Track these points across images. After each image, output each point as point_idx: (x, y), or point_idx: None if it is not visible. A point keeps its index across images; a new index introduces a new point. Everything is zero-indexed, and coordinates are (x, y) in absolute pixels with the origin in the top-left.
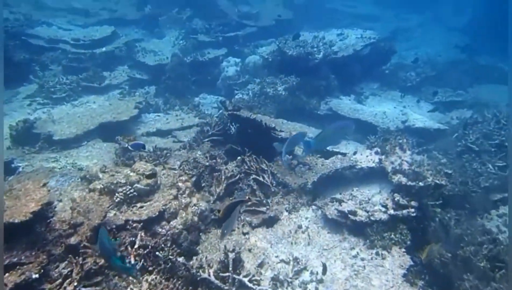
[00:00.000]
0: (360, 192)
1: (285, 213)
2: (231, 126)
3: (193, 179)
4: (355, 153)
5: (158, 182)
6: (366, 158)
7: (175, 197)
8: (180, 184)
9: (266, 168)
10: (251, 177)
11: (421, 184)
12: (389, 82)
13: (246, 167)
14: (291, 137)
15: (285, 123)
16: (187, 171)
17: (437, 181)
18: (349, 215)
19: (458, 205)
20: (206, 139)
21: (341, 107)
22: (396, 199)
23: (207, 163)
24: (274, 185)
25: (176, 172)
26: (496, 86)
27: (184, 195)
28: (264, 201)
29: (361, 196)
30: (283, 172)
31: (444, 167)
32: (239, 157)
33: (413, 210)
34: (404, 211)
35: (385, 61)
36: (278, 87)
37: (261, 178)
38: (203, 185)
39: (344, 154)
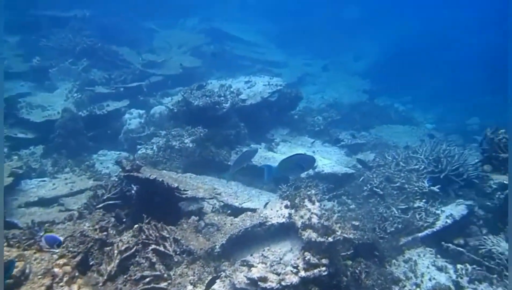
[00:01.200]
0: (271, 251)
1: (189, 287)
2: (130, 188)
3: (77, 258)
4: (266, 205)
5: (27, 271)
6: (276, 213)
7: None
8: (56, 269)
9: (167, 235)
10: (150, 248)
11: (330, 239)
12: (299, 128)
13: (144, 236)
14: (242, 155)
15: (193, 178)
16: (71, 249)
17: (346, 235)
18: (259, 283)
19: (368, 253)
20: (100, 205)
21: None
22: (306, 258)
23: (97, 236)
24: (177, 253)
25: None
26: (395, 126)
27: (61, 284)
28: (166, 275)
29: (272, 256)
30: (188, 236)
31: (353, 214)
32: (136, 226)
33: (324, 268)
34: (316, 271)
35: (293, 107)
36: (185, 139)
37: (161, 248)
38: (91, 263)
39: (254, 210)
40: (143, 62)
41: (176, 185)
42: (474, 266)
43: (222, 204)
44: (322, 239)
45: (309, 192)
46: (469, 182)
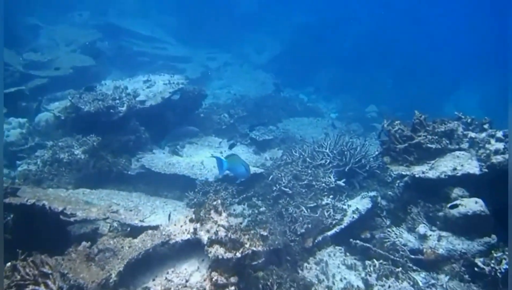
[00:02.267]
0: (176, 273)
1: None
2: (6, 216)
3: None
4: (169, 216)
5: None
6: (180, 228)
7: None
8: None
9: (49, 271)
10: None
11: (238, 255)
12: (205, 127)
13: (19, 277)
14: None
15: (87, 194)
16: None
17: (254, 248)
18: None
19: (280, 259)
20: None
21: (155, 162)
22: (214, 279)
23: None
24: None
25: None
26: (301, 119)
27: None
28: None
29: (177, 279)
30: (77, 268)
31: (264, 217)
32: (8, 265)
33: (233, 288)
34: None
35: (198, 105)
36: (75, 150)
37: (42, 288)
38: None
39: (156, 227)
40: (25, 62)
41: (61, 208)
42: (381, 261)
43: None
44: (230, 255)
45: (214, 202)
46: (371, 173)
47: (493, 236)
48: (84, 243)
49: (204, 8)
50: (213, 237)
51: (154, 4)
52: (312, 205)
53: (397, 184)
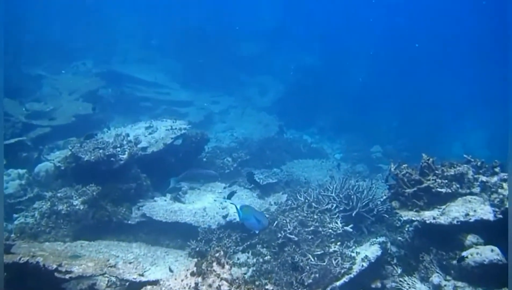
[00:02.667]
0: None
1: None
2: None
3: None
4: (171, 270)
5: None
6: (181, 283)
7: None
8: None
9: None
10: None
11: None
12: None
13: None
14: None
15: (85, 247)
16: None
17: None
18: None
19: None
20: None
21: (156, 210)
22: None
23: None
24: None
25: None
26: (305, 161)
27: None
28: None
29: None
30: None
31: (269, 266)
32: None
33: None
34: None
35: (200, 150)
36: (74, 201)
37: None
38: None
39: (155, 282)
40: (27, 112)
41: (55, 265)
42: None
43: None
44: None
45: (217, 254)
46: (379, 217)
47: None
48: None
49: (207, 52)
50: None
51: (157, 49)
52: (319, 252)
53: (406, 229)
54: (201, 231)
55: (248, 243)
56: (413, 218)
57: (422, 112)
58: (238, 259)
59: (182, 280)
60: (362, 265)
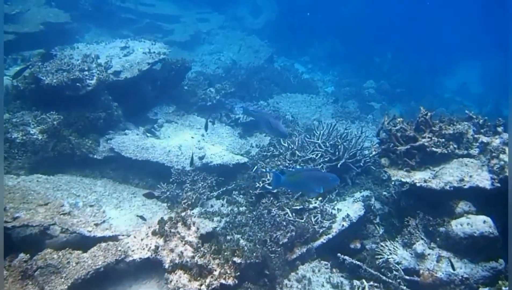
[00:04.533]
0: None
1: None
2: None
3: None
4: (143, 219)
5: None
6: (140, 243)
7: None
8: None
9: None
10: None
11: (204, 288)
12: (188, 103)
13: None
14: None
15: (42, 182)
16: None
17: (224, 281)
18: None
19: (258, 274)
20: None
21: (126, 145)
22: None
23: None
24: None
25: None
26: (294, 95)
27: None
28: None
29: None
30: (9, 288)
31: (243, 218)
32: None
33: None
34: None
35: (181, 78)
36: (31, 129)
37: None
38: None
39: (114, 238)
40: None
41: None
42: (371, 282)
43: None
44: (194, 286)
45: (183, 213)
46: (366, 169)
47: (501, 261)
48: (21, 255)
49: None
50: (177, 260)
51: None
52: (298, 207)
53: (393, 183)
54: (174, 173)
55: (224, 188)
56: (402, 179)
57: (417, 46)
58: (211, 206)
59: (142, 239)
60: (343, 225)
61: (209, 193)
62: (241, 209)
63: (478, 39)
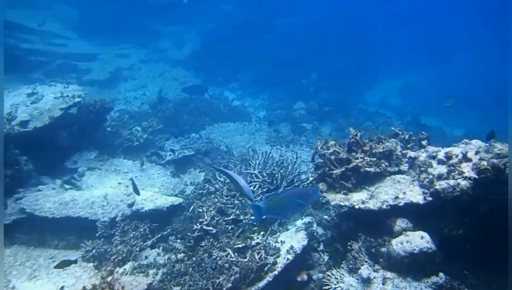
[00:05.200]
0: None
1: None
2: None
3: None
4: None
5: None
6: None
7: None
8: None
9: None
10: None
11: None
12: (112, 146)
13: None
14: None
15: None
16: None
17: None
18: None
19: None
20: None
21: (40, 203)
22: None
23: None
24: None
25: None
26: (226, 124)
27: None
28: None
29: None
30: None
31: (182, 266)
32: None
33: None
34: None
35: (102, 120)
36: None
37: None
38: None
39: None
40: None
41: None
42: None
43: None
44: None
45: (109, 277)
46: None
47: (441, 274)
48: None
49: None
50: None
51: None
52: (240, 245)
53: (332, 207)
54: (100, 226)
55: (159, 235)
56: (341, 203)
57: (339, 62)
58: (146, 257)
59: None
60: (287, 259)
61: (142, 243)
62: (179, 256)
63: (395, 57)
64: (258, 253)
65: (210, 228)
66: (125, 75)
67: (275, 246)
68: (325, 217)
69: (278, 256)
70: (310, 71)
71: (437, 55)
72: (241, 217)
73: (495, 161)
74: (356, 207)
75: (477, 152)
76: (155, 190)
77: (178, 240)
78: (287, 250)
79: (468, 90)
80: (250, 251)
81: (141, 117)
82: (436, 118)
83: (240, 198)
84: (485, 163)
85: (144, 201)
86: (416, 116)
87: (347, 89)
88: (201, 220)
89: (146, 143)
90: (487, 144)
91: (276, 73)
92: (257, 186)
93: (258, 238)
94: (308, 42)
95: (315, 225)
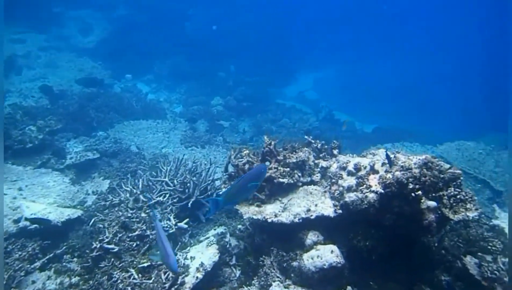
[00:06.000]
0: None
1: None
2: None
3: None
4: None
5: None
6: None
7: None
8: None
9: None
10: None
11: None
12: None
13: None
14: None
15: None
16: None
17: None
18: None
19: None
20: None
21: None
22: None
23: None
24: None
25: None
26: (138, 122)
27: None
28: None
29: None
30: None
31: None
32: None
33: None
34: None
35: None
36: None
37: None
38: None
39: None
40: None
41: None
42: None
43: None
44: None
45: None
46: None
47: (349, 288)
48: None
49: None
50: None
51: None
52: (146, 264)
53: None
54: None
55: (52, 254)
56: (254, 217)
57: (258, 55)
58: (33, 282)
59: None
60: (197, 277)
61: (29, 265)
62: (73, 280)
63: (312, 52)
64: (165, 273)
65: (112, 246)
66: (20, 63)
67: (184, 264)
68: (239, 226)
69: (187, 275)
70: (228, 63)
71: (353, 50)
72: (148, 233)
73: (399, 176)
74: (269, 220)
75: (383, 164)
76: (50, 201)
77: (75, 259)
78: (197, 268)
79: (380, 85)
80: (156, 271)
81: (39, 113)
82: (348, 114)
83: (147, 211)
84: (390, 176)
85: (34, 216)
86: (330, 111)
87: (266, 82)
88: (101, 237)
89: (43, 144)
90: (393, 156)
91: (193, 65)
92: (167, 195)
93: None
94: (226, 33)
95: (228, 236)
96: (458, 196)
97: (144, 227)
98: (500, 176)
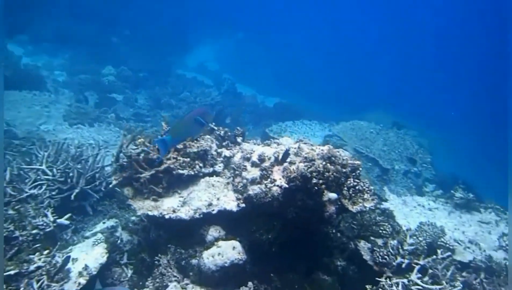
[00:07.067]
0: None
1: None
2: None
3: None
4: None
5: None
6: None
7: None
8: None
9: None
10: None
11: None
12: None
13: None
14: None
15: None
16: None
17: None
18: None
19: None
20: None
21: None
22: None
23: None
24: None
25: None
26: (7, 92)
27: None
28: None
29: None
30: None
31: None
32: None
33: None
34: None
35: None
36: None
37: None
38: None
39: None
40: None
41: None
42: None
43: None
44: None
45: None
46: (109, 191)
47: (250, 284)
48: None
49: None
50: None
51: None
52: (12, 271)
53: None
54: None
55: None
56: (150, 213)
57: (156, 19)
58: None
59: None
60: (79, 284)
61: None
62: None
63: (211, 20)
64: (38, 281)
65: None
66: None
67: (64, 268)
68: (133, 218)
69: (66, 281)
70: (122, 27)
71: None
72: (17, 233)
73: (303, 169)
74: (167, 217)
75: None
76: None
77: None
78: (80, 272)
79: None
80: (27, 279)
81: None
82: (251, 87)
83: (17, 207)
84: (294, 168)
85: None
86: (233, 84)
87: (165, 51)
88: None
89: None
90: (296, 146)
91: (82, 28)
92: (44, 187)
93: (40, 259)
94: None
95: (119, 230)
96: (357, 187)
97: (12, 227)
98: (387, 154)
